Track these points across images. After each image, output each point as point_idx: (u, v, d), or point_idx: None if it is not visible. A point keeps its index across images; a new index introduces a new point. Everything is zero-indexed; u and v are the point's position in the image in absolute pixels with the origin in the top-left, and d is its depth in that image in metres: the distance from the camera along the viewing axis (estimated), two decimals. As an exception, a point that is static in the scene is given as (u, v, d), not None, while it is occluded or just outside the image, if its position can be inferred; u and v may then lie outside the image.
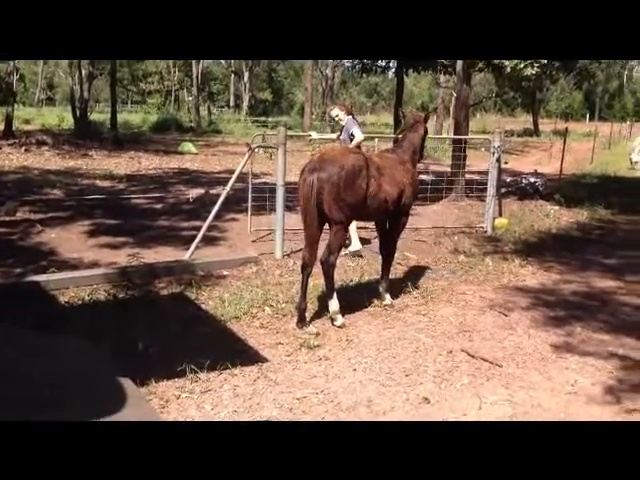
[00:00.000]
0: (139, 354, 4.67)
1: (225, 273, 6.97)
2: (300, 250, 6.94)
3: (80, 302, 5.86)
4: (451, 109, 38.41)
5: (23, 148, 20.67)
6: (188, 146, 23.67)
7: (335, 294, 5.48)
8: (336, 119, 8.32)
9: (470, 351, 5.00)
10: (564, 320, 5.81)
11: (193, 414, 3.90)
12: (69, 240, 8.40)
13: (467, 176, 13.71)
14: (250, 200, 9.06)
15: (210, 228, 7.93)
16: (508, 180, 15.06)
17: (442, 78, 33.98)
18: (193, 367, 4.36)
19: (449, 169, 14.17)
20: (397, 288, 6.47)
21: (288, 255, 7.85)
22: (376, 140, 10.60)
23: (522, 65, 12.34)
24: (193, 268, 6.98)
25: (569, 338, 5.38)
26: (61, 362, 4.14)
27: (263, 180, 12.69)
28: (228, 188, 7.83)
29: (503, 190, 11.49)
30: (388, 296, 6.11)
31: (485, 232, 9.84)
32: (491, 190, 10.01)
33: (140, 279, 6.48)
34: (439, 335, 5.40)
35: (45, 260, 7.22)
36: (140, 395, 3.92)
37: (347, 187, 5.18)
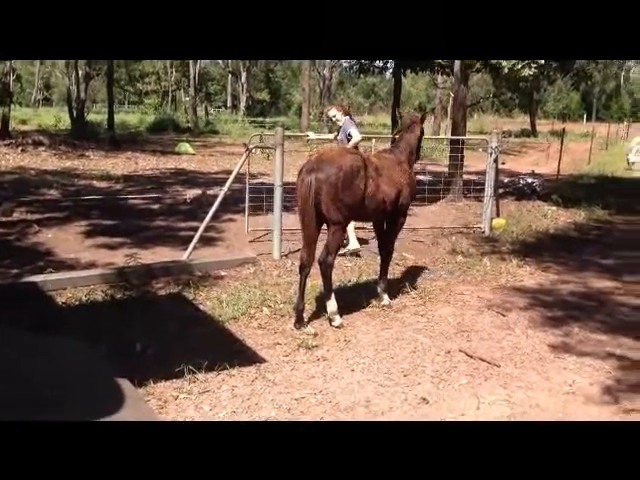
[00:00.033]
0: (137, 355, 4.66)
1: (223, 273, 6.96)
2: (298, 250, 6.93)
3: (77, 303, 5.84)
4: (449, 110, 38.42)
5: (20, 148, 20.63)
6: (185, 146, 23.66)
7: (333, 294, 5.48)
8: (333, 119, 8.31)
9: (468, 351, 5.00)
10: (562, 320, 5.82)
11: (191, 415, 3.89)
12: (66, 240, 8.39)
13: (465, 176, 13.74)
14: (247, 200, 9.07)
15: (208, 228, 7.93)
16: (506, 181, 15.08)
17: (440, 79, 33.93)
18: (191, 368, 4.35)
19: (447, 169, 14.18)
20: (395, 288, 6.47)
21: (286, 255, 7.84)
22: (373, 140, 10.62)
23: (519, 66, 12.33)
24: (191, 269, 6.97)
25: (567, 338, 5.38)
26: (59, 363, 4.13)
27: (260, 180, 12.69)
28: (225, 189, 7.83)
29: (501, 191, 11.50)
30: (386, 296, 6.11)
31: (483, 232, 9.85)
32: (489, 190, 10.02)
33: (137, 279, 6.47)
34: (437, 335, 5.40)
35: (42, 260, 7.20)
36: (138, 396, 3.91)
37: (345, 188, 5.17)
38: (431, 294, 6.48)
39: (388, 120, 37.00)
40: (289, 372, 4.57)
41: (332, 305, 5.47)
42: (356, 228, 8.27)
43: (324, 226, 5.43)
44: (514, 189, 14.24)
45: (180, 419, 3.82)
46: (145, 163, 19.40)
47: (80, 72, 31.25)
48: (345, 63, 41.37)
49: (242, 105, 56.60)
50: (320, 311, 5.72)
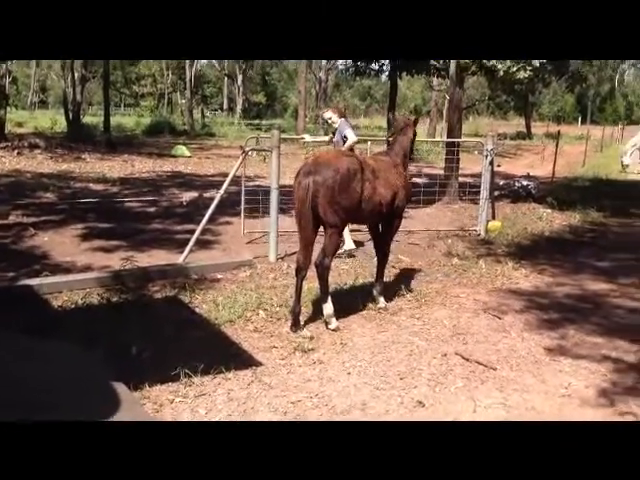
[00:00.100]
0: (132, 358, 4.65)
1: (219, 276, 6.96)
2: (294, 253, 6.94)
3: (73, 306, 5.84)
4: (444, 112, 38.46)
5: (15, 151, 20.56)
6: (181, 149, 23.63)
7: (329, 297, 5.48)
8: (329, 122, 8.34)
9: (464, 354, 5.01)
10: (557, 323, 5.83)
11: (187, 418, 3.89)
12: (62, 244, 8.37)
13: (460, 179, 13.76)
14: (243, 202, 9.08)
15: (204, 231, 7.92)
16: (501, 183, 15.10)
17: (435, 81, 34.00)
18: (187, 371, 4.34)
19: (442, 172, 14.21)
20: (391, 291, 6.47)
21: (282, 258, 7.84)
22: (369, 143, 10.62)
23: (515, 68, 12.38)
24: (187, 271, 6.97)
25: (563, 341, 5.40)
26: (53, 366, 4.12)
27: (257, 183, 12.69)
28: (222, 191, 7.82)
29: (496, 193, 11.53)
30: (382, 299, 6.11)
31: (478, 235, 9.87)
32: (484, 193, 10.04)
33: (134, 283, 6.47)
34: (433, 338, 5.40)
35: (38, 264, 7.19)
36: (133, 399, 3.91)
37: (342, 190, 5.18)
38: (427, 297, 6.49)
39: (384, 122, 37.07)
40: (285, 375, 4.57)
41: (328, 308, 5.47)
42: (351, 230, 8.29)
43: (321, 229, 5.44)
44: (509, 192, 14.26)
45: (176, 423, 3.81)
46: (141, 166, 19.38)
47: (76, 74, 31.19)
48: (341, 65, 41.49)
49: (238, 108, 56.61)
50: (316, 314, 5.72)
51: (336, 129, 8.10)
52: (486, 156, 10.07)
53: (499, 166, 16.93)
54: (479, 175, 10.68)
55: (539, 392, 4.40)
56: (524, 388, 4.45)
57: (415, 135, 6.43)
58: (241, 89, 57.93)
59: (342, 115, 8.21)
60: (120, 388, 3.86)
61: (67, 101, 31.18)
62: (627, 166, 21.70)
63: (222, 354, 4.78)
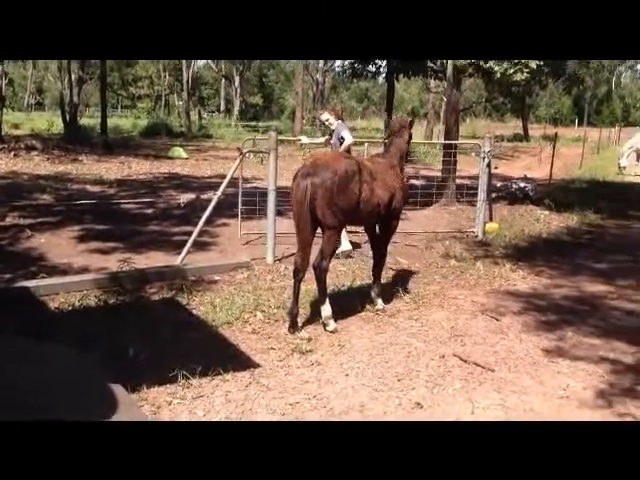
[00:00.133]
0: (130, 360, 4.64)
1: (216, 278, 6.95)
2: (291, 255, 6.93)
3: (70, 308, 5.82)
4: (441, 114, 38.57)
5: (12, 153, 20.53)
6: (178, 151, 23.61)
7: (327, 299, 5.47)
8: (326, 123, 8.35)
9: (462, 356, 5.00)
10: (555, 324, 5.83)
11: (185, 420, 3.87)
12: (59, 245, 8.35)
13: (458, 181, 13.77)
14: (240, 204, 9.07)
15: (201, 233, 7.91)
16: (498, 185, 15.09)
17: (432, 83, 34.05)
18: (185, 373, 4.33)
19: (440, 174, 14.23)
20: (389, 293, 6.47)
21: (279, 260, 7.83)
22: (366, 145, 10.63)
23: (512, 70, 12.39)
24: (184, 273, 6.95)
25: (560, 342, 5.40)
26: (51, 368, 4.11)
27: (254, 185, 12.70)
28: (219, 193, 7.82)
29: (493, 195, 11.54)
30: (380, 301, 6.11)
31: (476, 237, 9.87)
32: (482, 195, 10.05)
33: (131, 284, 6.45)
34: (431, 340, 5.40)
35: (35, 265, 7.17)
36: (131, 401, 3.90)
37: (340, 192, 5.18)
38: (425, 298, 6.48)
39: (381, 124, 37.09)
40: (283, 377, 4.56)
41: (326, 310, 5.46)
42: (349, 232, 8.29)
43: (318, 230, 5.43)
44: (507, 193, 14.27)
45: (174, 425, 3.80)
46: (138, 167, 19.36)
47: (73, 76, 31.16)
48: (338, 67, 41.51)
49: (235, 109, 56.59)
50: (314, 316, 5.72)
51: (333, 131, 8.12)
52: (483, 158, 10.07)
53: (496, 168, 16.93)
54: (476, 177, 10.68)
55: (537, 393, 4.40)
56: (522, 390, 4.45)
57: (410, 137, 6.45)
58: (238, 91, 57.92)
59: (339, 117, 8.23)
60: (117, 390, 3.85)
61: (64, 103, 31.15)
62: (624, 168, 21.76)
63: (220, 356, 4.77)
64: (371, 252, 6.45)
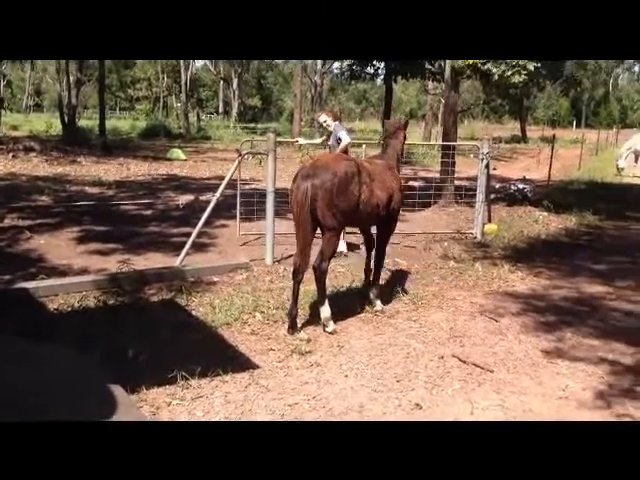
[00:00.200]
0: (129, 361, 4.64)
1: (215, 279, 6.94)
2: (290, 256, 6.93)
3: (69, 309, 5.81)
4: (439, 116, 38.52)
5: (11, 154, 20.53)
6: (177, 152, 23.61)
7: (327, 300, 5.47)
8: (324, 125, 8.36)
9: (461, 357, 5.01)
10: (554, 325, 5.84)
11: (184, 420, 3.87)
12: (58, 247, 8.35)
13: (456, 182, 13.80)
14: (239, 205, 9.09)
15: (200, 234, 7.91)
16: (497, 186, 15.10)
17: (430, 85, 34.01)
18: (184, 374, 4.33)
19: (438, 175, 14.23)
20: (388, 294, 6.47)
21: (278, 261, 7.84)
22: (364, 146, 10.63)
23: (509, 72, 12.40)
24: (183, 274, 6.95)
25: (559, 343, 5.40)
26: (50, 370, 4.11)
27: (253, 186, 12.70)
28: (218, 194, 7.82)
29: (492, 196, 11.54)
30: (379, 302, 6.11)
31: (475, 238, 9.87)
32: (480, 196, 10.05)
33: (130, 285, 6.45)
34: (430, 341, 5.40)
35: (34, 267, 7.17)
36: (131, 402, 3.90)
37: (340, 193, 5.20)
38: (424, 299, 6.49)
39: (379, 126, 37.09)
40: (282, 378, 4.56)
41: (326, 311, 5.46)
42: (347, 233, 8.30)
43: (317, 231, 5.44)
44: (505, 195, 14.28)
45: (173, 425, 3.80)
46: (137, 169, 19.35)
47: (71, 78, 31.22)
48: (336, 69, 41.52)
49: (234, 111, 56.60)
50: (313, 317, 5.72)
51: (331, 132, 8.13)
52: (482, 159, 10.08)
53: (495, 169, 16.95)
54: (475, 178, 10.69)
55: (536, 394, 4.40)
56: (521, 390, 4.46)
57: (405, 138, 6.50)
58: (237, 92, 57.94)
59: (337, 118, 8.27)
60: (117, 391, 3.85)
61: (62, 104, 31.20)
62: (622, 169, 21.78)
63: (219, 357, 4.77)
64: (366, 253, 6.46)
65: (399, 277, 7.33)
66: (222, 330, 5.42)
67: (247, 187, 12.02)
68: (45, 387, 3.76)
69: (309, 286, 6.05)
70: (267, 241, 7.87)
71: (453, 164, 13.20)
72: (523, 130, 50.12)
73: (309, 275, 5.61)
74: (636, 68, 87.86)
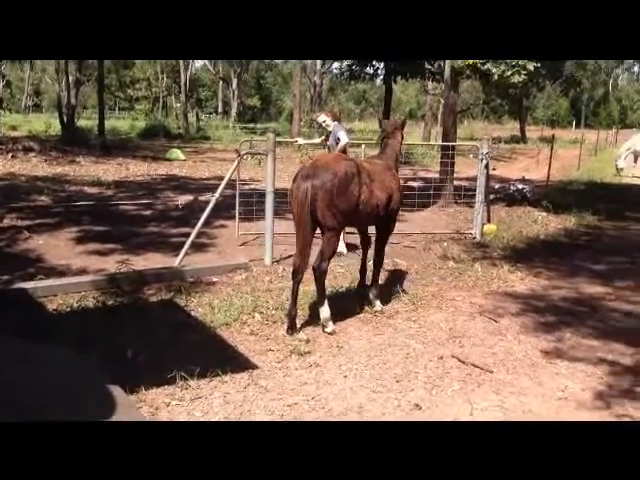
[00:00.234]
0: (128, 361, 4.63)
1: (215, 279, 6.94)
2: (289, 256, 6.93)
3: (68, 309, 5.81)
4: (439, 116, 38.57)
5: (10, 154, 20.52)
6: (176, 152, 23.61)
7: (326, 300, 5.47)
8: (323, 125, 8.37)
9: (461, 357, 5.00)
10: (554, 326, 5.83)
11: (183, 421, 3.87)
12: (57, 247, 8.34)
13: (455, 182, 13.79)
14: (238, 206, 9.09)
15: (199, 234, 7.90)
16: (496, 187, 15.10)
17: (430, 85, 34.06)
18: (183, 374, 4.33)
19: (437, 175, 14.23)
20: (387, 294, 6.47)
21: (277, 261, 7.83)
22: (363, 146, 10.63)
23: (509, 72, 12.39)
24: (182, 275, 6.94)
25: (559, 344, 5.40)
26: (49, 370, 4.10)
27: (252, 186, 12.70)
28: (217, 195, 7.81)
29: (491, 196, 11.54)
30: (378, 302, 6.11)
31: (474, 238, 9.87)
32: (479, 196, 10.05)
33: (129, 286, 6.44)
34: (429, 341, 5.40)
35: (33, 267, 7.16)
36: (129, 403, 3.89)
37: (340, 194, 5.19)
38: (423, 300, 6.48)
39: (379, 126, 37.09)
40: (281, 378, 4.55)
41: (325, 311, 5.46)
42: (347, 233, 8.30)
43: (317, 231, 5.44)
44: (505, 195, 14.28)
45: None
46: (136, 169, 19.35)
47: (70, 78, 31.20)
48: (336, 69, 41.53)
49: (233, 111, 56.57)
50: (312, 317, 5.71)
51: (330, 132, 8.13)
52: (481, 159, 10.07)
53: (494, 170, 16.96)
54: (474, 178, 10.69)
55: (536, 395, 4.39)
56: (521, 391, 4.45)
57: (402, 137, 6.50)
58: (236, 93, 57.90)
59: (336, 118, 8.27)
60: (116, 391, 3.84)
61: (61, 104, 31.19)
62: (621, 170, 21.79)
63: (218, 357, 4.76)
64: (362, 253, 6.48)
65: (398, 277, 7.33)
66: (221, 330, 5.41)
67: (246, 187, 12.04)
68: (44, 387, 3.76)
69: (308, 286, 6.05)
70: (266, 241, 7.87)
71: (452, 164, 13.20)
72: (522, 130, 50.13)
73: (308, 275, 5.61)
74: (636, 68, 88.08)
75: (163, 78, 63.36)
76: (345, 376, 4.63)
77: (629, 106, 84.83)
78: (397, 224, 6.46)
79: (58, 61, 33.06)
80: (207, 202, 7.98)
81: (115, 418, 3.45)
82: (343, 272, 7.43)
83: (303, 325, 5.59)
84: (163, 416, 3.91)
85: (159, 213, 11.48)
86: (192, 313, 5.81)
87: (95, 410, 3.53)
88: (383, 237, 6.26)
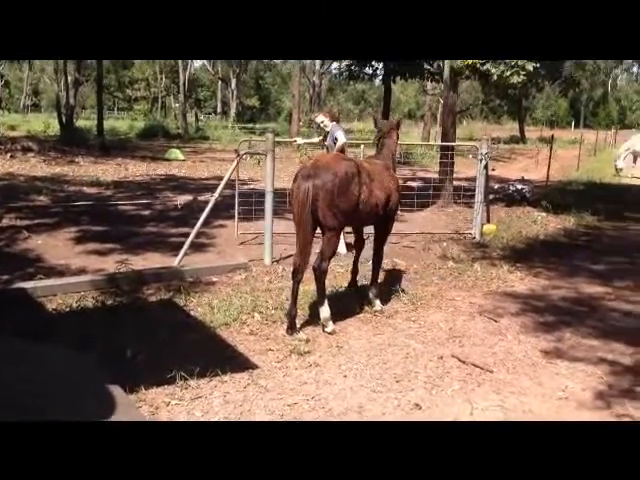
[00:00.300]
0: (127, 361, 4.63)
1: (214, 279, 6.93)
2: (289, 256, 6.93)
3: (68, 309, 5.80)
4: (438, 116, 38.60)
5: (8, 154, 20.51)
6: (175, 153, 23.61)
7: (326, 300, 5.46)
8: (321, 125, 8.37)
9: (461, 357, 5.00)
10: (554, 326, 5.83)
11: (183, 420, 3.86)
12: (56, 247, 8.34)
13: (455, 183, 13.78)
14: (237, 204, 9.09)
15: (198, 234, 7.90)
16: (495, 187, 15.11)
17: (429, 85, 34.05)
18: (183, 374, 4.32)
19: (437, 176, 14.24)
20: (387, 294, 6.47)
21: (277, 261, 7.83)
22: (362, 147, 10.63)
23: (508, 73, 12.39)
24: (182, 274, 6.94)
25: (559, 344, 5.39)
26: (48, 369, 4.10)
27: (251, 186, 12.69)
28: (216, 195, 7.81)
29: (491, 197, 11.54)
30: (378, 302, 6.11)
31: (473, 238, 9.87)
32: (479, 196, 10.05)
33: (128, 286, 6.44)
34: (429, 341, 5.39)
35: (32, 267, 7.15)
36: (129, 402, 3.88)
37: (341, 194, 5.20)
38: (423, 300, 6.48)
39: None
40: (281, 378, 4.55)
41: (325, 311, 5.45)
42: (347, 233, 8.29)
43: (317, 231, 5.44)
44: (504, 195, 14.28)
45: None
46: (135, 169, 19.34)
47: (69, 78, 31.20)
48: (335, 70, 41.52)
49: (232, 111, 56.57)
50: (312, 317, 5.70)
51: (328, 132, 8.13)
52: (480, 160, 10.07)
53: (493, 170, 16.95)
54: (473, 179, 10.69)
55: (536, 395, 4.39)
56: (521, 391, 4.45)
57: (398, 137, 6.53)
58: (235, 93, 57.90)
59: (334, 118, 8.26)
60: (116, 391, 3.84)
61: (60, 104, 31.18)
62: (621, 170, 21.80)
63: (218, 357, 4.76)
64: (355, 253, 6.49)
65: (398, 277, 7.33)
66: (221, 330, 5.40)
67: (245, 187, 12.04)
68: (43, 387, 3.75)
69: (308, 286, 6.05)
70: (266, 241, 7.86)
71: (452, 164, 13.20)
72: (522, 130, 50.17)
73: (308, 275, 5.61)
74: (635, 69, 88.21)
75: (162, 78, 63.38)
76: (345, 376, 4.62)
77: (628, 106, 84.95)
78: (396, 224, 6.48)
79: (57, 61, 33.04)
80: (206, 202, 7.97)
81: (115, 418, 3.45)
82: (343, 272, 7.41)
83: (303, 325, 5.59)
84: (163, 416, 3.90)
85: (158, 213, 11.47)
86: (191, 313, 5.80)
87: (95, 410, 3.52)
88: (382, 237, 6.26)
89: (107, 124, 36.40)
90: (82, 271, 7.09)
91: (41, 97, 70.95)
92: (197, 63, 64.20)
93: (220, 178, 8.78)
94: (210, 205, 7.71)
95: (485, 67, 12.46)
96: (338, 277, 7.15)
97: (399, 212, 6.41)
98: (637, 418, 4.03)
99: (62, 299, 6.01)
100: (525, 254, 8.88)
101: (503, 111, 68.74)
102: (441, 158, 13.84)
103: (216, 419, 3.89)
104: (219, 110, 64.40)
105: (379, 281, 6.35)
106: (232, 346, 5.08)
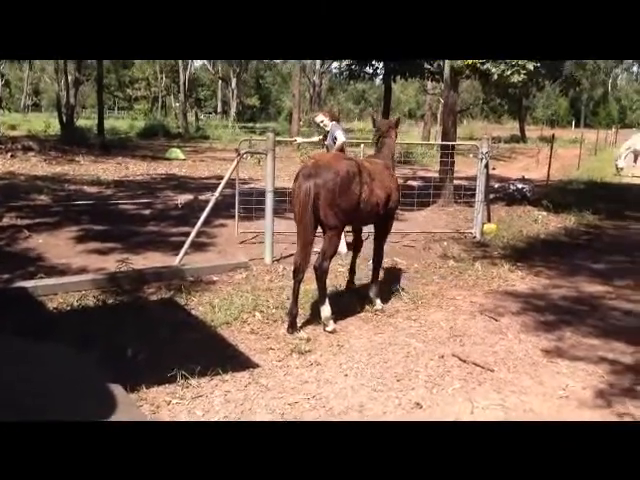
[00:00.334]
0: (129, 360, 4.63)
1: (215, 278, 6.93)
2: (289, 255, 6.93)
3: (69, 308, 5.81)
4: (438, 116, 38.56)
5: (9, 154, 20.49)
6: (176, 152, 23.59)
7: (327, 299, 5.47)
8: (321, 125, 8.36)
9: (461, 356, 5.00)
10: (554, 325, 5.83)
11: (184, 420, 3.86)
12: (57, 246, 8.34)
13: (455, 182, 13.78)
14: (237, 204, 9.09)
15: (199, 234, 7.89)
16: (496, 186, 15.09)
17: (429, 85, 34.01)
18: (184, 373, 4.32)
19: (437, 175, 14.23)
20: (387, 293, 6.47)
21: (277, 260, 7.83)
22: (362, 146, 10.63)
23: (509, 72, 12.38)
24: (182, 274, 6.94)
25: (560, 343, 5.39)
26: (49, 369, 4.10)
27: (251, 185, 12.69)
28: (217, 194, 7.81)
29: (491, 196, 11.53)
30: (379, 301, 6.11)
31: (474, 237, 9.87)
32: (479, 196, 10.05)
33: (129, 285, 6.44)
34: (430, 340, 5.39)
35: (33, 266, 7.15)
36: (130, 401, 3.89)
37: (342, 193, 5.20)
38: (423, 299, 6.48)
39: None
40: (282, 377, 4.55)
41: (326, 310, 5.45)
42: (348, 232, 8.29)
43: (317, 230, 5.44)
44: (504, 194, 14.28)
45: (173, 425, 3.79)
46: (136, 168, 19.34)
47: (70, 77, 31.18)
48: (335, 69, 41.54)
49: (232, 111, 56.51)
50: (313, 316, 5.71)
51: (328, 131, 8.13)
52: (481, 159, 10.06)
53: (494, 169, 16.94)
54: (474, 178, 10.69)
55: (537, 394, 4.39)
56: (522, 390, 4.45)
57: (396, 136, 6.54)
58: (235, 92, 57.84)
59: (334, 118, 8.26)
60: (117, 390, 3.84)
61: (60, 104, 31.18)
62: (621, 169, 21.79)
63: (219, 356, 4.76)
64: (353, 253, 6.53)
65: (399, 276, 7.33)
66: (221, 329, 5.41)
67: (246, 186, 12.04)
68: (44, 386, 3.75)
69: (309, 285, 6.05)
70: (266, 240, 7.86)
71: (452, 164, 13.20)
72: (522, 130, 50.12)
73: (309, 274, 5.61)
74: (635, 68, 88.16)
75: (162, 78, 63.34)
76: (346, 375, 4.62)
77: (628, 106, 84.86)
78: (397, 223, 6.48)
79: (57, 61, 33.02)
80: (207, 201, 7.97)
81: (116, 417, 3.45)
82: (344, 271, 7.41)
83: (304, 324, 5.59)
84: (164, 415, 3.90)
85: (159, 212, 11.47)
86: (192, 312, 5.80)
87: (96, 409, 3.52)
88: (382, 236, 6.27)
89: (107, 123, 36.39)
90: (83, 270, 7.10)
91: (41, 97, 70.97)
92: (197, 63, 64.26)
93: (220, 177, 8.78)
94: (211, 204, 7.71)
95: (485, 66, 12.44)
96: (339, 276, 7.15)
97: (400, 211, 6.40)
98: (638, 417, 4.03)
99: (63, 298, 6.02)
100: (526, 253, 8.88)
101: (503, 110, 68.68)
102: (441, 157, 13.85)
103: (217, 418, 3.90)
104: (219, 109, 64.36)
105: (380, 280, 6.35)
106: (233, 345, 5.08)
